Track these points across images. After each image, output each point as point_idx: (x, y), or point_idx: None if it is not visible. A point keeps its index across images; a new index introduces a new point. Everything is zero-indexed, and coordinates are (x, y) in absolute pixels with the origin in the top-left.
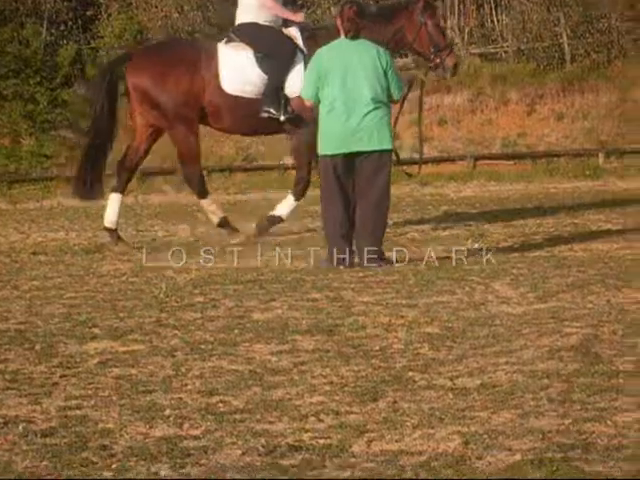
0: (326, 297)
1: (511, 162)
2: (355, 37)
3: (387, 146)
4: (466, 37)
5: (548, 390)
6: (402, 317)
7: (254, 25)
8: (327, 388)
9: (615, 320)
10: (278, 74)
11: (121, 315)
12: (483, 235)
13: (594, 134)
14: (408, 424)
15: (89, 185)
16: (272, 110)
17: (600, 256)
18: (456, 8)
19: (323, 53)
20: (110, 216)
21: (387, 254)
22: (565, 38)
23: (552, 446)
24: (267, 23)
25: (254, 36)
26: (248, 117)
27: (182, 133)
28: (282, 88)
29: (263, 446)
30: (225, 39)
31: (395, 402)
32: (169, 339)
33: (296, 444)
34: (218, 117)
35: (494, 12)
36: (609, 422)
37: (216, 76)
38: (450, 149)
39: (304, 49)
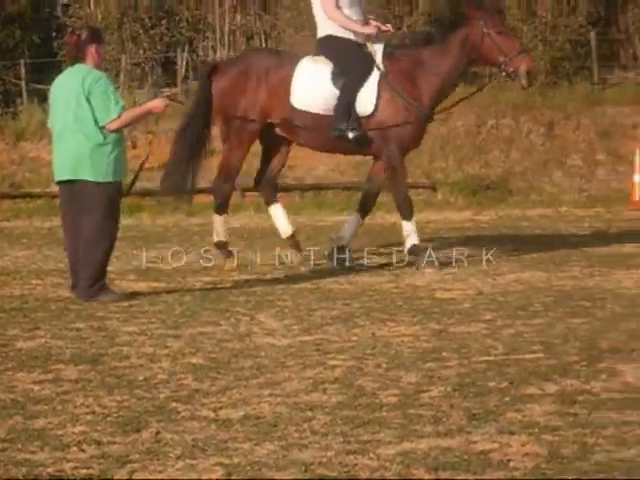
0: (90, 327)
1: (279, 194)
2: (74, 63)
3: (96, 178)
4: None
5: (311, 422)
6: (167, 347)
7: (334, 39)
8: (89, 418)
9: (379, 353)
10: (350, 91)
11: None
12: (249, 266)
13: (362, 167)
14: (171, 455)
15: (182, 179)
16: (342, 128)
17: (365, 289)
18: (226, 39)
19: (56, 80)
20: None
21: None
22: None
23: (315, 478)
24: (348, 36)
25: (332, 50)
26: (320, 134)
27: (231, 146)
28: (354, 106)
29: (24, 476)
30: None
31: (158, 433)
32: None
33: (57, 474)
34: (291, 132)
35: (264, 44)
36: (372, 455)
37: (288, 90)
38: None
39: (381, 66)
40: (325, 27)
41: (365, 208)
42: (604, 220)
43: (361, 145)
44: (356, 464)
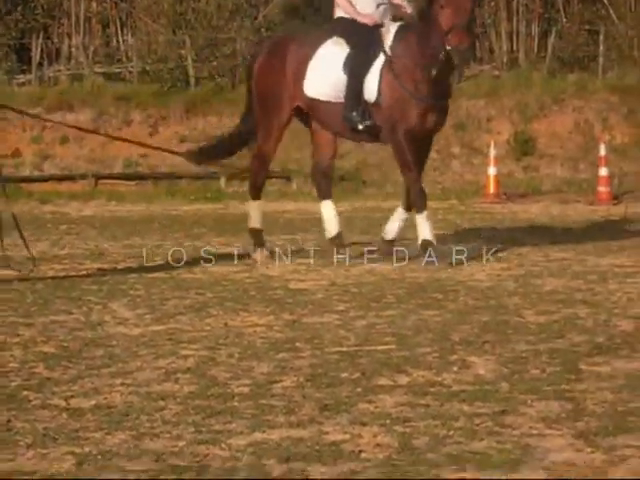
0: None
1: (132, 183)
2: None
3: None
4: (91, 56)
5: (163, 412)
6: (18, 336)
7: (344, 20)
8: None
9: (232, 343)
10: (357, 77)
11: None
12: (102, 254)
13: None
14: (22, 443)
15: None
16: (352, 117)
17: (219, 279)
18: (82, 26)
19: None
20: None
21: None
22: (190, 61)
23: (167, 468)
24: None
25: (341, 33)
26: (335, 122)
27: (264, 130)
28: (362, 93)
29: None
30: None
31: (9, 421)
32: None
33: None
34: (316, 119)
35: (120, 32)
36: (223, 445)
37: (303, 76)
38: (72, 167)
39: (388, 50)
40: (338, 9)
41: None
42: (457, 212)
43: (374, 134)
44: (207, 454)
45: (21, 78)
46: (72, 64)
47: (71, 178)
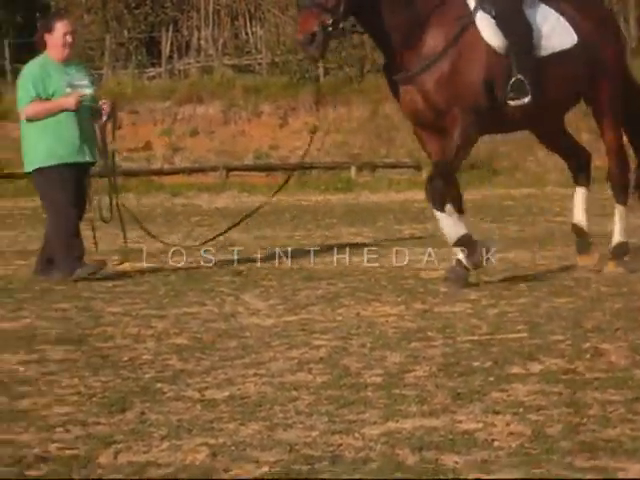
0: (75, 307)
1: (263, 174)
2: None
3: (26, 167)
4: (220, 48)
5: (296, 402)
6: (151, 328)
7: None
8: (75, 398)
9: (364, 333)
10: None
11: None
12: (233, 246)
13: (346, 147)
14: (156, 435)
15: None
16: None
17: (350, 269)
18: (211, 19)
19: None
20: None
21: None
22: None
23: (300, 458)
24: None
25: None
26: None
27: None
28: None
29: (10, 456)
30: None
31: (143, 413)
32: None
33: (43, 455)
34: None
35: (249, 24)
36: (357, 434)
37: None
38: (202, 160)
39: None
40: None
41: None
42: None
43: None
44: (341, 444)
45: (151, 71)
46: (201, 57)
47: (201, 170)
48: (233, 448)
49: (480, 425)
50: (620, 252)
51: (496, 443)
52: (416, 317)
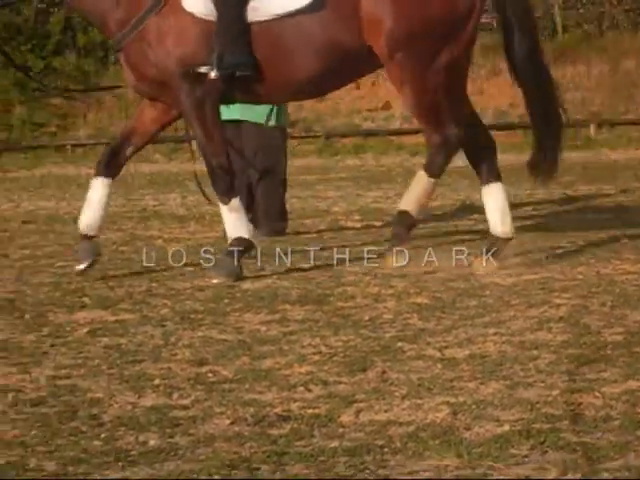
0: (316, 267)
1: (502, 132)
2: None
3: None
4: None
5: (536, 361)
6: (392, 287)
7: None
8: (316, 358)
9: (604, 291)
10: None
11: (111, 284)
12: (473, 206)
13: (585, 105)
14: (397, 394)
15: None
16: None
17: (588, 227)
18: None
19: None
20: None
21: None
22: (557, 9)
23: (540, 417)
24: None
25: None
26: None
27: None
28: None
29: (252, 416)
30: None
31: (384, 372)
32: (159, 308)
33: (284, 414)
34: None
35: None
36: (597, 393)
37: None
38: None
39: None
40: None
41: None
42: None
43: None
44: (581, 402)
45: None
46: None
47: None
48: (474, 407)
49: None
50: None
51: None
52: None
